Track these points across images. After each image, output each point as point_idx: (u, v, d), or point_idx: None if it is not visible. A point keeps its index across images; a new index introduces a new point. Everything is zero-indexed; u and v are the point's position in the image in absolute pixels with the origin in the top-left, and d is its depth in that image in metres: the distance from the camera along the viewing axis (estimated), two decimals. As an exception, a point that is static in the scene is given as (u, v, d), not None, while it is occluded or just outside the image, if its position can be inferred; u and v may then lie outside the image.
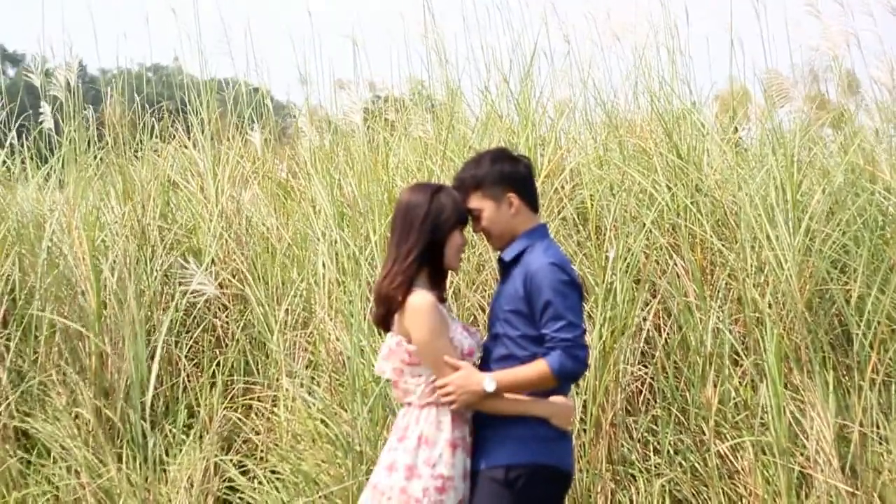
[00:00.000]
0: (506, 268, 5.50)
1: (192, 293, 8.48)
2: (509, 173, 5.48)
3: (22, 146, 9.74)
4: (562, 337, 5.27)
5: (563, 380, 5.33)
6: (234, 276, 8.97)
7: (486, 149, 5.72)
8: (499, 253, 5.54)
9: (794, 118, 8.10)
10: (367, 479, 7.69)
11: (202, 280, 8.06)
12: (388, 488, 5.32)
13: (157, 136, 9.89)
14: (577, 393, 7.64)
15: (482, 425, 5.41)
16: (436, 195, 5.43)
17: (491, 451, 5.37)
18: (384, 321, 5.47)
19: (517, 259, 5.44)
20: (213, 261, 8.96)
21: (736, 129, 9.16)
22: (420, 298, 5.36)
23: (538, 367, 5.30)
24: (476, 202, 5.48)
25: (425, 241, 5.37)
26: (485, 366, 5.45)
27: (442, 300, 5.48)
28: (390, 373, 5.46)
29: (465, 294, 8.24)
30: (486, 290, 8.22)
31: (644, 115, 9.00)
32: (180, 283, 8.54)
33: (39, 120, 9.48)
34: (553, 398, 5.39)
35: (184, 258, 9.10)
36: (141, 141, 9.73)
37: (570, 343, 5.27)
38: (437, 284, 5.46)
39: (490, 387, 5.30)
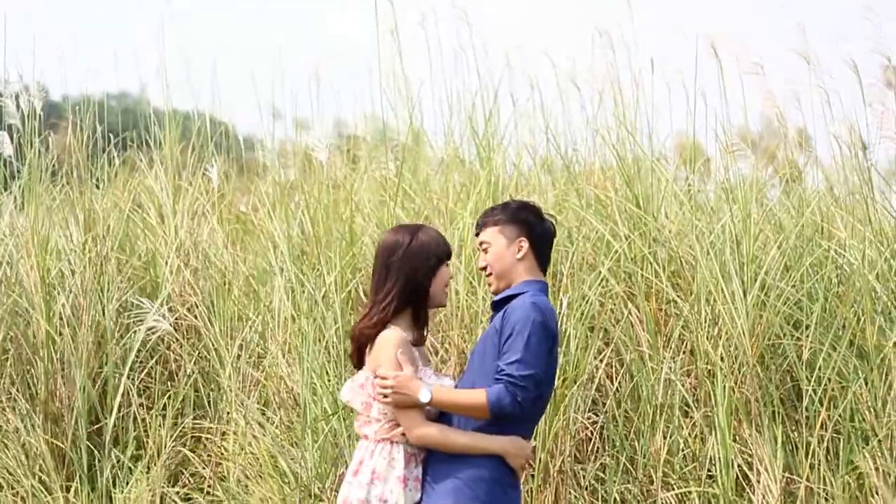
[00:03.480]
0: (495, 311, 5.50)
1: (147, 330, 8.48)
2: (531, 223, 5.51)
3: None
4: (508, 372, 5.26)
5: (497, 415, 5.28)
6: (189, 311, 8.95)
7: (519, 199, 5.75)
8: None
9: (751, 173, 8.15)
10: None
11: (157, 317, 8.04)
12: (341, 522, 5.33)
13: (118, 166, 9.86)
14: (527, 438, 7.62)
15: (429, 464, 5.39)
16: (416, 234, 5.45)
17: (437, 490, 5.34)
18: (357, 358, 5.47)
19: (506, 302, 5.44)
20: (169, 295, 8.94)
21: (699, 180, 9.18)
22: (390, 332, 5.38)
23: (475, 395, 5.29)
24: (488, 236, 5.51)
25: (404, 282, 5.39)
26: None
27: (420, 342, 5.48)
28: (358, 405, 5.44)
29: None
30: (439, 331, 8.22)
31: (602, 164, 9.03)
32: (137, 321, 8.50)
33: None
34: (512, 437, 5.37)
35: (141, 292, 9.08)
36: (101, 170, 9.66)
37: (514, 380, 5.25)
38: (417, 326, 5.46)
39: (425, 397, 5.29)
